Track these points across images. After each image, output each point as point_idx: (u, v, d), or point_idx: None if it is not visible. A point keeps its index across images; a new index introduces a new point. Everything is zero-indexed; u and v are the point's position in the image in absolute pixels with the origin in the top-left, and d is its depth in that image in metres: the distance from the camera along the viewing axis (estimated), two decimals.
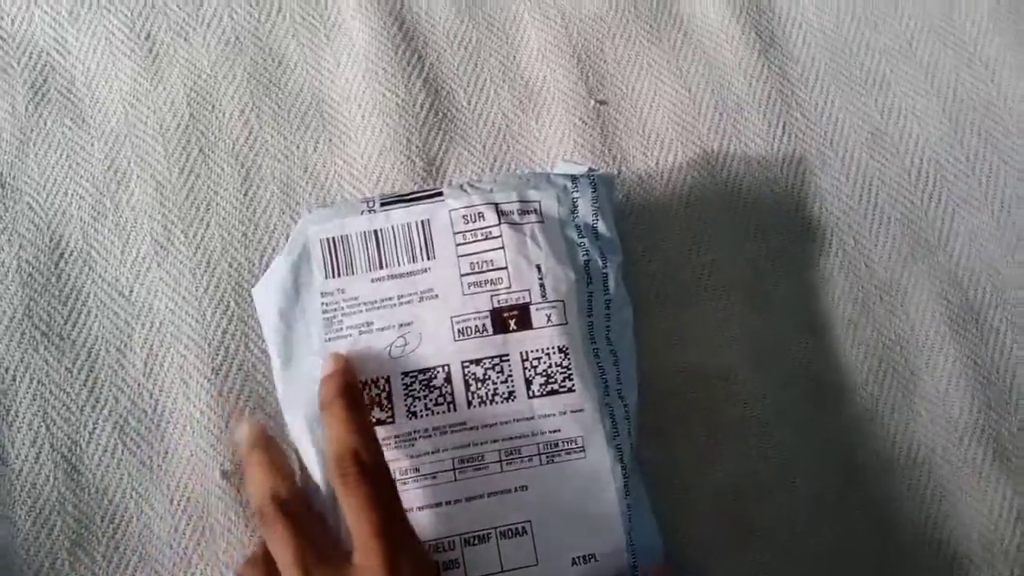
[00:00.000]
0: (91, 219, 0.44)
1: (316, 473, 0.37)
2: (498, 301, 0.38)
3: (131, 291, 0.43)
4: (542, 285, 0.38)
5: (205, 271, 0.43)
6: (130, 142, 0.45)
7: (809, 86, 0.48)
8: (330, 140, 0.46)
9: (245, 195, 0.45)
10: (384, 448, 0.36)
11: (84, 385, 0.42)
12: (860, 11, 0.49)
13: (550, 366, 0.37)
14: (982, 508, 0.42)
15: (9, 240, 0.43)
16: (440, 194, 0.39)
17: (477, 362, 0.37)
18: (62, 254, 0.43)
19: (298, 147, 0.46)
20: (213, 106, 0.46)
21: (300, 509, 0.35)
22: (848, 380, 0.43)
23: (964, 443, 0.43)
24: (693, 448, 0.42)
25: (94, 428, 0.41)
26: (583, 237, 0.39)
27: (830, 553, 0.41)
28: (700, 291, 0.44)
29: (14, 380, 0.41)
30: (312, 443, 0.37)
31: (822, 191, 0.46)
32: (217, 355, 0.42)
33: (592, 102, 0.47)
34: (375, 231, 0.39)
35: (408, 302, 0.38)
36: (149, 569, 0.39)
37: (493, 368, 0.37)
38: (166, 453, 0.41)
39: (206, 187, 0.45)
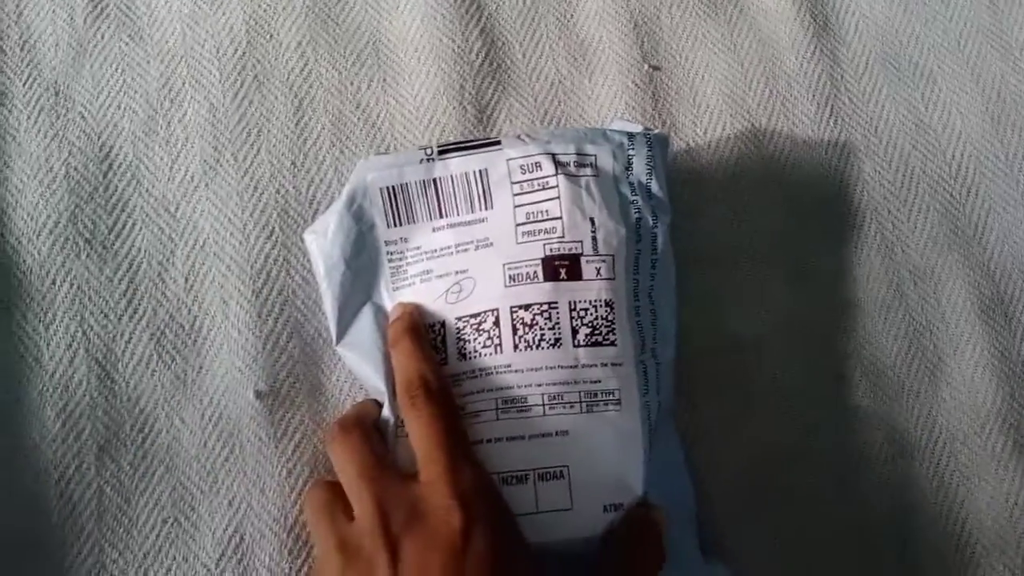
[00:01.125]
0: (143, 134, 0.43)
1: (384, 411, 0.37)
2: (550, 249, 0.37)
3: (177, 208, 0.42)
4: (594, 238, 0.37)
5: (252, 195, 0.43)
6: (186, 63, 0.45)
7: (859, 73, 0.48)
8: (384, 79, 0.45)
9: (296, 125, 0.44)
10: None
11: (124, 295, 0.41)
12: (912, 5, 0.49)
13: (596, 318, 0.37)
14: (998, 496, 0.42)
15: (59, 146, 0.43)
16: (498, 143, 0.38)
17: (526, 307, 0.37)
18: (111, 165, 0.43)
19: (352, 83, 0.45)
20: (271, 35, 0.45)
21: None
22: (876, 360, 0.43)
23: (985, 431, 0.42)
24: (721, 412, 0.42)
25: (131, 338, 0.40)
26: (636, 195, 0.39)
27: (847, 528, 0.41)
28: (738, 260, 0.44)
29: (54, 284, 0.40)
30: (380, 382, 0.37)
31: (864, 175, 0.46)
32: (259, 278, 0.41)
33: (646, 67, 0.47)
34: (434, 179, 0.38)
35: (465, 250, 0.38)
36: (175, 480, 0.38)
37: (541, 314, 0.36)
38: (200, 369, 0.40)
39: (258, 114, 0.44)
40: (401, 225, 0.38)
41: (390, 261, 0.38)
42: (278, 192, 0.43)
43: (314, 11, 0.46)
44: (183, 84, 0.44)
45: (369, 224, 0.38)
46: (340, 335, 0.39)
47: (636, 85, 0.46)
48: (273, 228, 0.42)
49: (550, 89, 0.46)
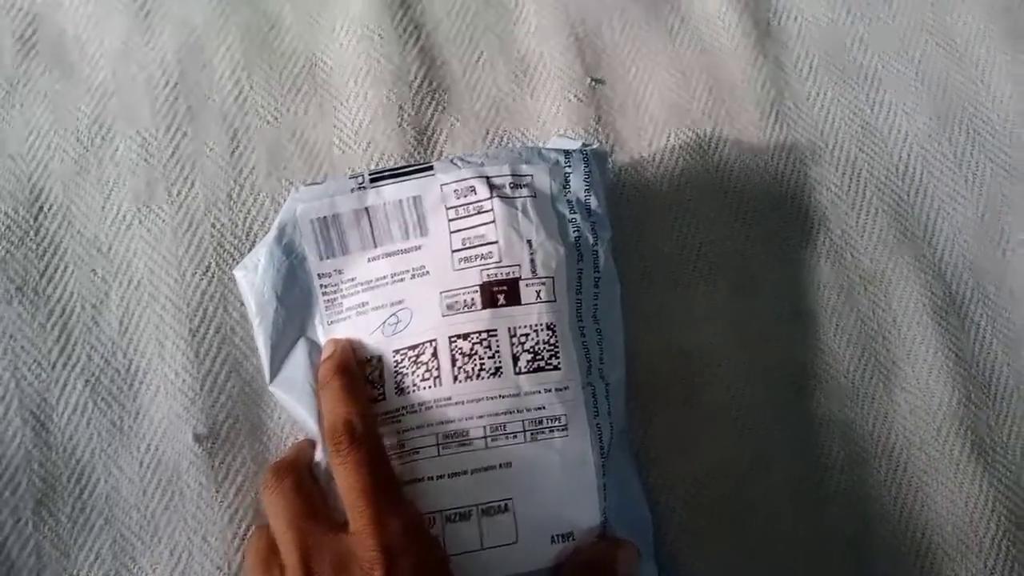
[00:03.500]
0: (73, 174, 0.40)
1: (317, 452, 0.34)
2: (488, 275, 0.34)
3: (110, 248, 0.39)
4: (532, 260, 0.34)
5: (187, 231, 0.39)
6: (117, 98, 0.41)
7: (803, 77, 0.44)
8: (321, 105, 0.42)
9: (231, 156, 0.40)
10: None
11: (57, 342, 0.37)
12: (855, 6, 0.46)
13: (537, 343, 0.33)
14: (958, 500, 0.39)
15: None
16: (431, 168, 0.35)
17: (465, 337, 0.33)
18: (41, 207, 0.39)
19: (288, 110, 0.42)
20: (204, 64, 0.42)
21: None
22: (829, 368, 0.40)
23: (942, 435, 0.39)
24: (673, 429, 0.39)
25: (65, 386, 0.37)
26: (574, 213, 0.35)
27: (805, 539, 0.38)
28: (687, 273, 0.41)
29: None
30: (312, 423, 0.34)
31: (811, 180, 0.43)
32: (195, 317, 0.38)
33: (588, 80, 0.43)
34: (367, 208, 0.35)
35: (400, 280, 0.34)
36: (115, 532, 0.35)
37: (481, 343, 0.33)
38: (138, 414, 0.37)
39: (192, 146, 0.40)
40: (334, 257, 0.35)
41: (324, 294, 0.35)
42: (213, 226, 0.39)
43: (248, 37, 0.43)
44: (114, 120, 0.41)
45: (300, 257, 0.35)
46: (273, 374, 0.35)
47: (579, 99, 0.43)
48: (209, 264, 0.39)
49: (491, 107, 0.43)
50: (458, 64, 0.43)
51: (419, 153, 0.41)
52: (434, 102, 0.42)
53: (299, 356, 0.35)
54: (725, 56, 0.44)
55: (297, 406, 0.34)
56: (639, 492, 0.36)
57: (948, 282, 0.42)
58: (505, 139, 0.42)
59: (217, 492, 0.36)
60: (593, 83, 0.43)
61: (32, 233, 0.39)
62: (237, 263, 0.38)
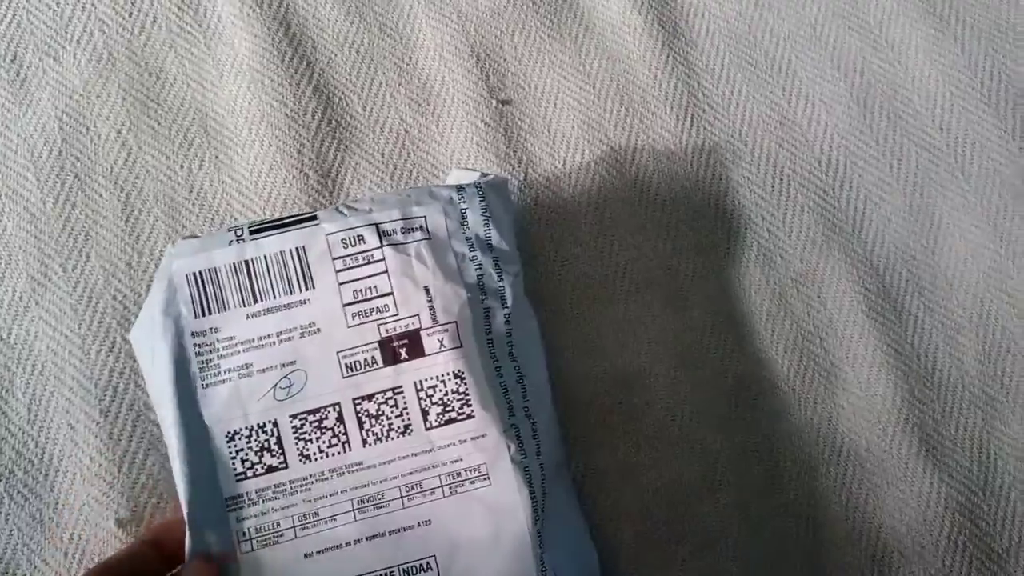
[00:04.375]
0: None
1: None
2: (386, 330, 0.35)
3: (9, 333, 0.40)
4: (431, 308, 0.35)
5: (87, 307, 0.40)
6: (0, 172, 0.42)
7: (715, 76, 0.46)
8: (216, 157, 0.43)
9: (127, 222, 0.41)
10: (280, 495, 0.33)
11: None
12: None
13: (446, 393, 0.35)
14: (910, 500, 0.41)
15: None
16: (314, 218, 0.36)
17: (369, 398, 0.35)
18: None
19: (182, 167, 0.43)
20: (87, 128, 0.43)
21: None
22: (769, 376, 0.42)
23: (889, 434, 0.41)
24: (616, 456, 0.40)
25: None
26: (474, 250, 0.37)
27: (759, 556, 0.40)
28: (614, 293, 0.42)
29: None
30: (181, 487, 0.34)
31: (734, 183, 0.44)
32: (105, 395, 0.39)
33: (494, 102, 0.44)
34: (245, 262, 0.35)
35: (289, 339, 0.35)
36: None
37: (386, 403, 0.34)
38: (57, 504, 0.38)
39: (84, 216, 0.41)
40: (210, 314, 0.35)
41: (198, 355, 0.35)
42: (115, 299, 0.40)
43: (131, 94, 0.43)
44: None
45: (175, 316, 0.35)
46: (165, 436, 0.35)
47: (486, 123, 0.44)
48: (114, 339, 0.40)
49: (396, 140, 0.44)
50: (356, 99, 0.44)
51: (324, 198, 0.42)
52: (335, 141, 0.43)
53: (175, 425, 0.34)
54: (633, 62, 0.46)
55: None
56: (582, 529, 0.38)
57: (881, 275, 0.43)
58: (414, 172, 0.43)
59: None
60: (499, 105, 0.44)
61: None
62: None
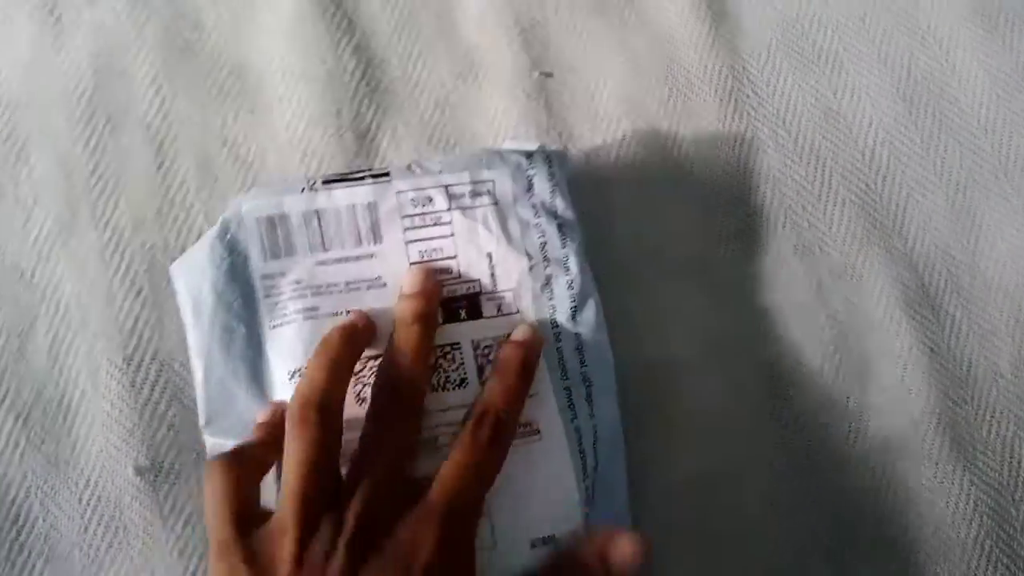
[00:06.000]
0: None
1: None
2: (447, 291, 0.40)
3: (34, 274, 0.44)
4: (492, 274, 0.40)
5: (115, 252, 0.44)
6: (30, 113, 0.46)
7: (761, 62, 0.51)
8: (252, 111, 0.47)
9: (158, 169, 0.46)
10: None
11: None
12: None
13: None
14: (939, 500, 0.45)
15: None
16: (387, 175, 0.40)
17: None
18: None
19: (216, 117, 0.47)
20: (122, 73, 0.47)
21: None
22: (802, 368, 0.46)
23: (920, 433, 0.45)
24: (645, 442, 0.44)
25: None
26: (539, 217, 0.41)
27: (785, 548, 0.44)
28: (650, 276, 0.46)
29: None
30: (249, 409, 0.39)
31: (774, 171, 0.49)
32: (129, 343, 0.43)
33: (536, 74, 0.49)
34: (316, 211, 0.40)
35: (356, 289, 0.40)
36: (59, 572, 0.40)
37: (444, 356, 0.39)
38: (74, 448, 0.42)
39: (114, 161, 0.46)
40: (279, 258, 0.40)
41: (267, 296, 0.40)
42: (143, 246, 0.44)
43: (167, 41, 0.48)
44: (28, 136, 0.46)
45: (243, 256, 0.40)
46: (208, 370, 0.39)
47: (527, 95, 0.49)
48: (141, 287, 0.44)
49: (435, 106, 0.48)
50: (397, 61, 0.49)
51: (360, 159, 0.47)
52: (374, 103, 0.48)
53: (236, 359, 0.39)
54: (679, 44, 0.51)
55: (230, 402, 0.39)
56: (624, 505, 0.41)
57: (920, 273, 0.48)
58: (452, 139, 0.48)
59: (164, 526, 0.41)
60: (541, 76, 0.49)
61: None
62: (171, 284, 0.43)
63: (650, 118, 0.49)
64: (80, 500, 0.41)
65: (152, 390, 0.43)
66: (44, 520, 0.41)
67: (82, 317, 0.43)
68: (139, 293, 0.44)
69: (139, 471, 0.41)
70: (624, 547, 0.35)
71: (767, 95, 0.50)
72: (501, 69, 0.49)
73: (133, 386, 0.43)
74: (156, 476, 0.42)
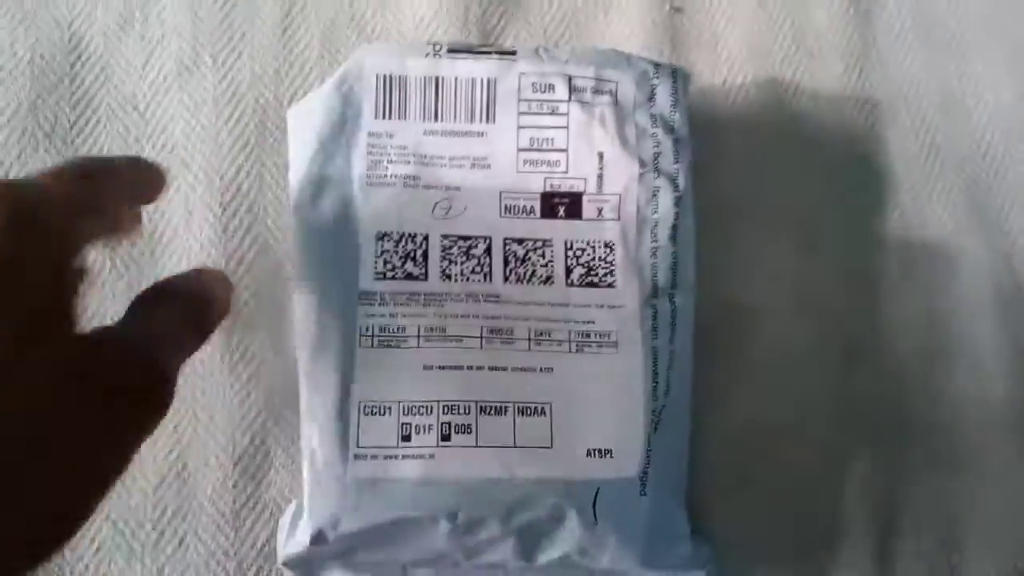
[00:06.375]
0: (116, 27, 0.45)
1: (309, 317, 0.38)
2: (551, 184, 0.39)
3: (146, 108, 0.44)
4: (600, 176, 0.39)
5: (229, 101, 0.44)
6: None
7: (892, 35, 0.50)
8: None
9: (284, 32, 0.46)
10: (412, 303, 0.38)
11: None
12: None
13: (593, 259, 0.39)
14: (994, 495, 0.44)
15: (26, 30, 0.44)
16: (513, 53, 0.40)
17: (520, 242, 0.39)
18: (79, 56, 0.44)
19: None
20: None
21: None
22: (884, 340, 0.45)
23: (991, 424, 0.45)
24: (713, 382, 0.43)
25: None
26: (656, 127, 0.40)
27: (831, 510, 0.43)
28: (748, 223, 0.46)
29: (7, 176, 0.42)
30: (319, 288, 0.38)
31: (890, 144, 0.48)
32: (228, 191, 0.43)
33: (667, 7, 0.49)
34: (436, 78, 0.39)
35: (459, 166, 0.39)
36: None
37: (535, 250, 0.39)
38: (156, 279, 0.42)
39: (243, 15, 0.46)
40: (390, 118, 0.39)
41: (370, 153, 0.39)
42: (257, 101, 0.45)
43: None
44: None
45: (356, 109, 0.39)
46: (297, 212, 0.39)
47: (654, 24, 0.48)
48: (248, 139, 0.44)
49: (561, 20, 0.48)
50: None
51: None
52: (502, 6, 0.48)
53: (325, 206, 0.38)
54: (814, 2, 0.50)
55: (305, 251, 0.38)
56: (686, 434, 0.41)
57: (1016, 272, 0.47)
58: None
59: (230, 374, 0.41)
60: (672, 10, 0.49)
61: (67, 81, 0.44)
62: (277, 142, 0.44)
63: (773, 69, 0.49)
64: None
65: (242, 240, 0.43)
66: None
67: (187, 157, 0.44)
68: (245, 145, 0.44)
69: None
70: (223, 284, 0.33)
71: (893, 67, 0.49)
72: None
73: (225, 232, 0.43)
74: (232, 322, 0.42)
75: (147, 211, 0.43)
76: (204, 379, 0.41)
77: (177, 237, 0.43)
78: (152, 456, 0.40)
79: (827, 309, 0.46)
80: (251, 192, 0.43)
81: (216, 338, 0.41)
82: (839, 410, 0.45)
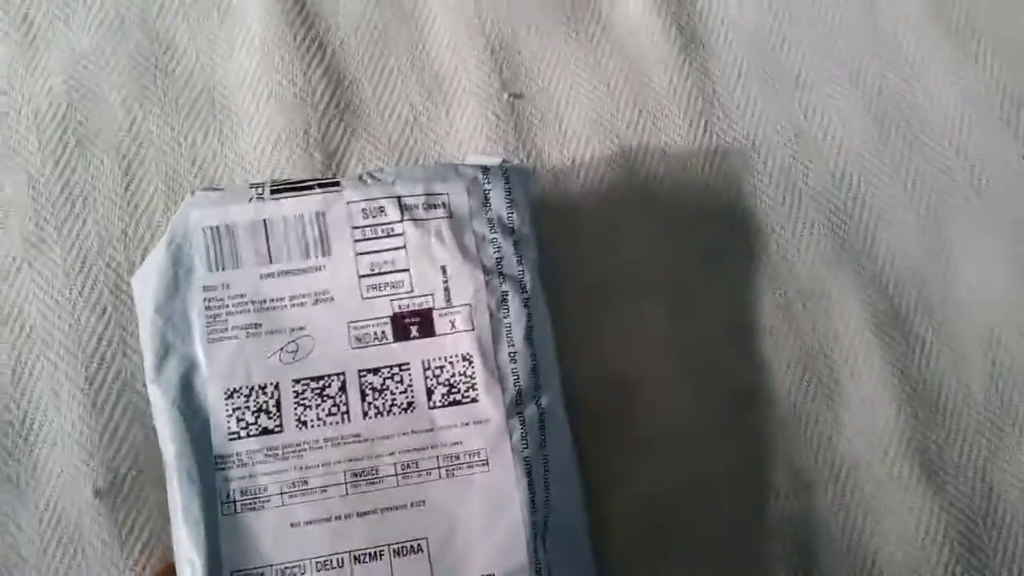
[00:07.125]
0: None
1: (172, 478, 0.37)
2: (399, 306, 0.38)
3: None
4: (447, 289, 0.39)
5: (80, 272, 0.44)
6: (1, 133, 0.45)
7: (731, 84, 0.50)
8: (220, 130, 0.47)
9: (126, 190, 0.45)
10: (271, 459, 0.36)
11: None
12: (780, 6, 0.52)
13: (453, 375, 0.38)
14: (908, 525, 0.44)
15: None
16: (337, 184, 0.39)
17: (375, 371, 0.38)
18: None
19: (186, 138, 0.46)
20: (94, 93, 0.46)
21: None
22: (770, 390, 0.45)
23: (889, 456, 0.45)
24: (608, 458, 0.43)
25: None
26: (495, 232, 0.40)
27: (747, 570, 0.43)
28: (617, 295, 0.46)
29: None
30: (170, 446, 0.37)
31: (745, 192, 0.48)
32: (91, 363, 0.42)
33: (506, 95, 0.48)
34: (263, 220, 0.38)
35: (301, 304, 0.38)
36: None
37: (392, 378, 0.38)
38: (35, 469, 0.41)
39: (83, 181, 0.45)
40: (224, 270, 0.38)
41: (207, 309, 0.38)
42: (108, 266, 0.44)
43: (141, 63, 0.47)
44: None
45: (188, 266, 0.38)
46: (149, 383, 0.38)
47: (497, 116, 0.48)
48: (105, 307, 0.43)
49: (404, 127, 0.48)
50: (367, 83, 0.48)
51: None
52: (342, 124, 0.47)
53: (172, 372, 0.37)
54: (650, 65, 0.50)
55: (161, 423, 0.37)
56: (584, 533, 0.40)
57: (891, 295, 0.47)
58: (420, 160, 0.47)
59: (122, 550, 0.40)
60: (511, 98, 0.48)
61: None
62: (134, 303, 0.43)
63: (619, 138, 0.48)
64: (40, 521, 0.40)
65: (113, 411, 0.42)
66: (3, 540, 0.40)
67: (46, 337, 0.43)
68: (103, 313, 0.43)
69: (98, 493, 0.41)
70: None
71: (737, 116, 0.49)
72: (471, 91, 0.48)
73: (95, 407, 0.42)
74: (115, 498, 0.41)
75: (13, 396, 0.42)
76: (97, 560, 0.40)
77: (48, 421, 0.42)
78: None
79: (707, 367, 0.45)
80: (116, 359, 0.43)
81: (102, 516, 0.40)
82: (736, 465, 0.44)
